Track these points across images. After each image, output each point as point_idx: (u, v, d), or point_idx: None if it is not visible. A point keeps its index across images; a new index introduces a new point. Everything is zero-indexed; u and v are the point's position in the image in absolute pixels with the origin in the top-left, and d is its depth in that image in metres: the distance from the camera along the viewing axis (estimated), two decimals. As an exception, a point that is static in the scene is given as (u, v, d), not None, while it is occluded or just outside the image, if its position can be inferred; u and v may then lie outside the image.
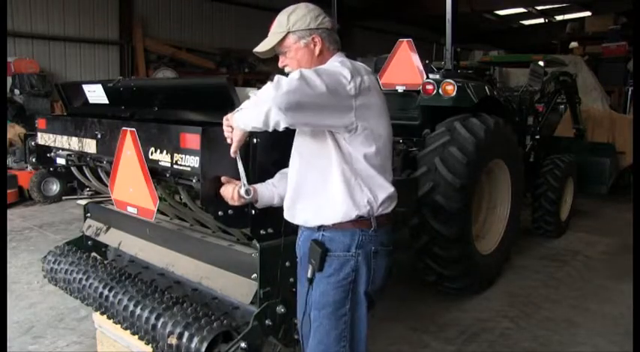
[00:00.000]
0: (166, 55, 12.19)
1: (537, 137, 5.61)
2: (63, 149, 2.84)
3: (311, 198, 1.91)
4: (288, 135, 1.90)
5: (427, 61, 4.43)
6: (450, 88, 3.98)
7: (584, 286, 4.65)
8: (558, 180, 5.74)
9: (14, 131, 7.95)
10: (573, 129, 7.07)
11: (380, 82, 4.40)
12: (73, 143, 2.74)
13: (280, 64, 1.99)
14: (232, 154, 1.87)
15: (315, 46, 1.91)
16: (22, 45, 9.92)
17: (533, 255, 5.45)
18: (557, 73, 6.45)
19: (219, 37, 13.21)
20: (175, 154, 2.08)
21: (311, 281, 1.90)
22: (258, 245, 2.16)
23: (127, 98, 2.64)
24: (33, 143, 6.83)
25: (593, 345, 3.55)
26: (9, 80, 9.03)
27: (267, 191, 2.05)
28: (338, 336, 1.90)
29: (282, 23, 1.92)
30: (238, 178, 1.98)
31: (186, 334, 2.12)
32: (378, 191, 1.88)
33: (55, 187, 7.51)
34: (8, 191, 7.07)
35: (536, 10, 17.13)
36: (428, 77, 4.18)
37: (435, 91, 4.05)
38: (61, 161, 2.86)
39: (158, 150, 2.16)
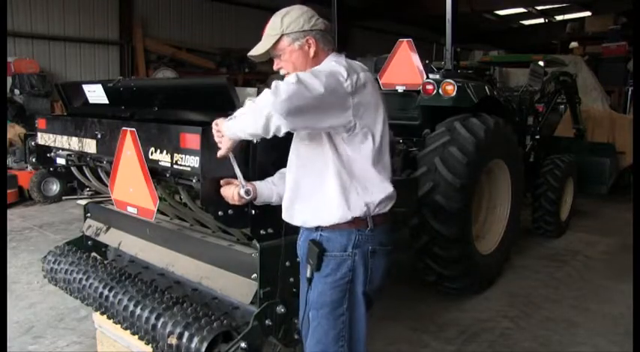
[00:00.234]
0: (166, 55, 12.19)
1: (537, 137, 5.62)
2: (63, 149, 2.84)
3: (308, 200, 1.91)
4: (287, 134, 1.90)
5: (427, 61, 4.43)
6: (450, 88, 3.98)
7: (584, 286, 4.65)
8: (558, 180, 5.74)
9: (14, 131, 7.94)
10: (573, 129, 7.07)
11: (380, 82, 4.41)
12: (73, 143, 2.74)
13: (275, 67, 1.99)
14: (218, 156, 1.87)
15: (309, 47, 1.91)
16: (22, 45, 9.92)
17: (533, 255, 5.45)
18: (557, 73, 6.45)
19: (219, 37, 13.21)
20: (175, 154, 2.08)
21: (310, 281, 1.91)
22: (258, 245, 2.16)
23: (127, 98, 2.64)
24: (33, 143, 6.83)
25: (593, 345, 3.55)
26: (9, 80, 9.03)
27: (266, 189, 2.06)
28: (336, 336, 1.90)
29: (276, 26, 1.91)
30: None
31: (186, 334, 2.12)
32: (376, 191, 1.88)
33: (55, 187, 7.51)
34: (8, 191, 7.06)
35: (536, 10, 17.13)
36: (428, 77, 4.18)
37: (435, 91, 4.05)
38: (61, 161, 2.86)
39: (158, 150, 2.16)
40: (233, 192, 1.97)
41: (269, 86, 1.65)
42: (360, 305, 1.92)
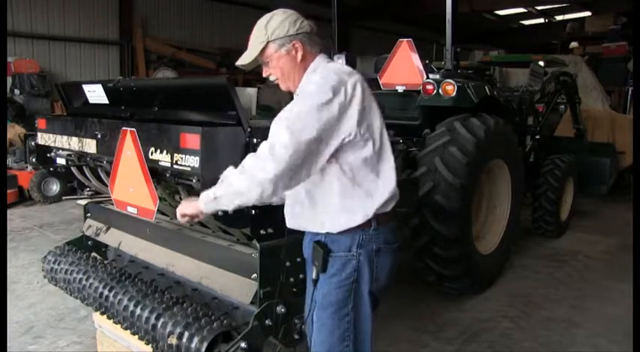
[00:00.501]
0: (166, 55, 12.20)
1: (537, 137, 5.61)
2: (63, 149, 2.84)
3: (311, 210, 1.91)
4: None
5: (427, 61, 4.43)
6: (450, 88, 3.98)
7: (584, 286, 4.65)
8: (558, 180, 5.73)
9: (14, 131, 7.94)
10: (573, 129, 7.07)
11: (380, 82, 4.41)
12: (73, 143, 2.74)
13: (264, 74, 1.98)
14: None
15: (296, 51, 1.89)
16: (22, 45, 9.93)
17: (533, 255, 5.45)
18: (558, 73, 6.45)
19: (219, 37, 13.22)
20: (175, 154, 2.08)
21: (315, 282, 1.92)
22: (258, 245, 2.16)
23: (127, 98, 2.64)
24: (33, 143, 6.79)
25: (593, 345, 3.55)
26: (9, 80, 9.03)
27: None
28: (341, 336, 1.91)
29: (261, 33, 1.88)
30: None
31: (186, 334, 2.12)
32: (379, 195, 1.88)
33: (55, 187, 7.51)
34: (8, 191, 7.06)
35: (536, 10, 17.13)
36: (428, 77, 4.18)
37: (435, 91, 4.05)
38: (61, 161, 2.86)
39: (158, 150, 2.16)
40: None
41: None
42: (366, 304, 1.92)
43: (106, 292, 2.56)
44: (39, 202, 7.38)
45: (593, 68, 10.91)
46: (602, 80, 10.18)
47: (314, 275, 1.92)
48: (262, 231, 2.16)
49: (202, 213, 1.86)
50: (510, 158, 4.47)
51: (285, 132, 1.66)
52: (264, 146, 1.70)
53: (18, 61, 9.26)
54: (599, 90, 9.81)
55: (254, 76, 13.19)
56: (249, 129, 2.09)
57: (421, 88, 4.13)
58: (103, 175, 2.75)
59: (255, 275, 2.16)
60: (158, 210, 2.20)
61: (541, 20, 18.76)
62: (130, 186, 2.25)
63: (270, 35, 1.87)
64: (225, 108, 2.14)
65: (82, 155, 2.75)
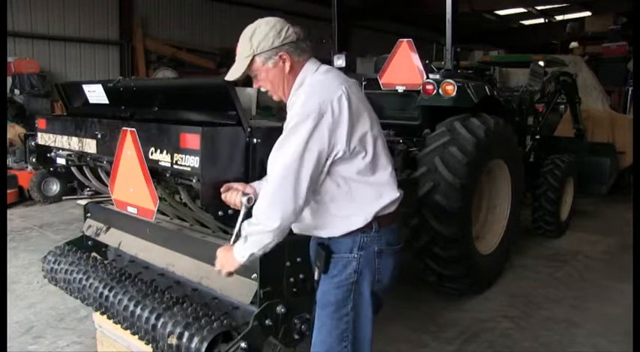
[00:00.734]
0: (166, 55, 12.19)
1: (537, 137, 5.61)
2: (63, 149, 2.84)
3: (311, 217, 1.92)
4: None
5: (427, 61, 4.43)
6: (450, 88, 3.98)
7: (584, 286, 4.65)
8: (558, 180, 5.73)
9: (14, 131, 7.94)
10: (573, 129, 7.07)
11: (380, 82, 4.41)
12: (73, 143, 2.74)
13: (255, 86, 1.98)
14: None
15: (284, 63, 1.86)
16: (22, 45, 9.93)
17: (533, 255, 5.45)
18: (558, 72, 6.45)
19: (219, 37, 13.21)
20: (175, 154, 2.08)
21: (318, 282, 1.95)
22: (258, 245, 2.16)
23: (127, 98, 2.64)
24: (33, 143, 6.76)
25: (593, 345, 3.55)
26: (9, 80, 9.03)
27: None
28: (339, 336, 1.91)
29: (246, 47, 1.86)
30: (238, 181, 2.01)
31: (186, 334, 2.12)
32: (376, 201, 1.88)
33: (55, 187, 7.50)
34: (8, 191, 7.06)
35: (536, 10, 17.13)
36: (428, 77, 4.18)
37: (435, 91, 4.05)
38: (61, 161, 2.86)
39: (158, 150, 2.16)
40: (235, 198, 1.97)
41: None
42: (367, 306, 1.92)
43: (106, 292, 2.56)
44: (39, 202, 7.38)
45: (593, 68, 10.91)
46: (602, 80, 10.18)
47: (316, 276, 1.94)
48: (262, 231, 2.16)
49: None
50: (510, 158, 4.47)
51: (283, 182, 1.72)
52: (267, 194, 1.77)
53: (18, 61, 9.26)
54: (599, 90, 9.81)
55: (254, 76, 13.19)
56: (249, 129, 2.10)
57: (421, 87, 4.13)
58: (103, 175, 2.75)
59: (255, 275, 2.16)
60: (158, 210, 2.20)
61: (541, 20, 18.75)
62: (130, 186, 2.25)
63: (255, 49, 1.84)
64: (225, 108, 2.14)
65: (82, 155, 2.75)
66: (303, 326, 2.25)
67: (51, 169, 3.07)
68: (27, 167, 7.62)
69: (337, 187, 1.84)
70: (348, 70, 4.96)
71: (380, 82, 4.43)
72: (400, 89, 4.36)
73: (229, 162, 2.06)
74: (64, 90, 3.14)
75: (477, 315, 3.95)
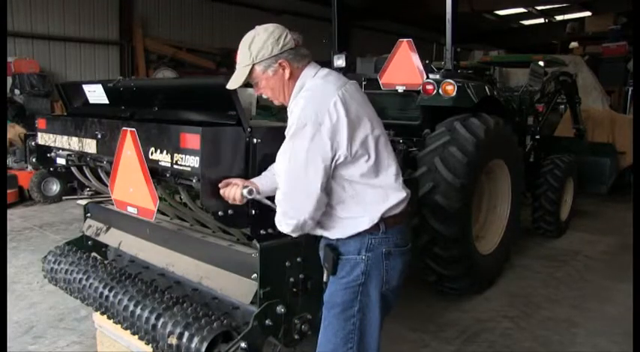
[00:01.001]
0: (166, 55, 12.19)
1: (537, 137, 5.61)
2: (63, 149, 2.84)
3: (320, 221, 1.91)
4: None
5: (427, 61, 4.42)
6: (450, 88, 3.98)
7: (584, 286, 4.65)
8: (558, 180, 5.73)
9: (14, 131, 7.94)
10: (573, 129, 7.07)
11: (380, 82, 4.41)
12: (73, 143, 2.74)
13: (256, 93, 1.99)
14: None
15: (284, 70, 1.88)
16: (22, 45, 9.92)
17: (533, 255, 5.45)
18: (557, 73, 6.45)
19: (219, 37, 13.21)
20: (175, 154, 2.08)
21: (326, 284, 1.95)
22: (258, 245, 2.16)
23: (127, 98, 2.64)
24: (33, 143, 6.83)
25: (593, 345, 3.55)
26: (9, 80, 9.03)
27: (267, 182, 2.06)
28: (345, 337, 1.91)
29: (245, 56, 1.87)
30: (237, 177, 2.00)
31: (186, 334, 2.12)
32: (383, 203, 1.88)
33: (55, 187, 7.51)
34: (8, 191, 7.06)
35: (536, 10, 17.12)
36: (428, 77, 4.17)
37: (435, 91, 4.04)
38: (61, 161, 2.86)
39: (158, 150, 2.16)
40: (235, 192, 1.97)
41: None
42: (374, 308, 1.92)
43: (106, 292, 2.56)
44: (39, 202, 7.38)
45: (593, 68, 10.90)
46: (602, 80, 10.18)
47: (325, 278, 1.95)
48: (262, 231, 2.17)
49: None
50: (510, 158, 4.47)
51: (294, 192, 1.78)
52: (280, 203, 1.84)
53: (18, 61, 9.26)
54: (599, 90, 9.81)
55: (254, 76, 13.19)
56: (249, 129, 2.10)
57: (421, 87, 4.13)
58: (103, 175, 2.75)
59: (255, 275, 2.16)
60: (158, 210, 2.20)
61: (541, 20, 18.75)
62: (130, 186, 2.25)
63: (254, 57, 1.85)
64: (226, 108, 2.14)
65: (82, 155, 2.75)
66: (303, 326, 2.25)
67: (51, 169, 3.07)
68: (27, 167, 7.63)
69: (343, 190, 1.84)
70: (348, 70, 4.96)
71: (380, 82, 4.43)
72: (400, 89, 4.35)
73: (229, 162, 2.06)
74: (64, 90, 3.14)
75: (477, 315, 3.95)
